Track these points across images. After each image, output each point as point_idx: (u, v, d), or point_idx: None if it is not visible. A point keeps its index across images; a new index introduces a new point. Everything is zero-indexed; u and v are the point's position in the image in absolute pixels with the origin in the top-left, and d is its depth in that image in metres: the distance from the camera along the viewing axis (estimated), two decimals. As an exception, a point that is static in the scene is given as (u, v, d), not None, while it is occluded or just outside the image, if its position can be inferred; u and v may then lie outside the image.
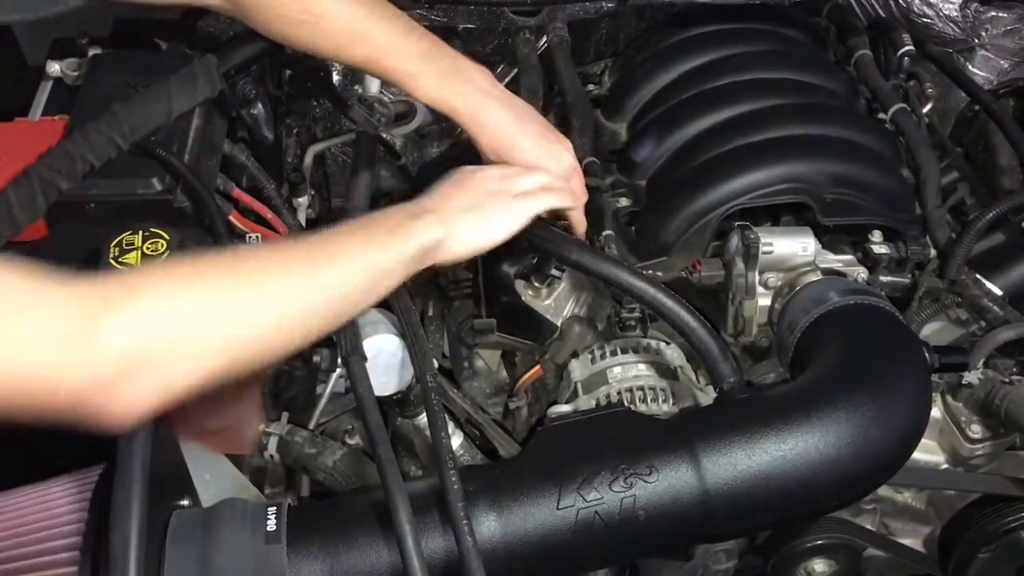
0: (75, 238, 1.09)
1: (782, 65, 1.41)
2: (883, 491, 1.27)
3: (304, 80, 1.54)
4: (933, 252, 1.26)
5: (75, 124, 1.15)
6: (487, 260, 1.29)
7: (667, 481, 0.92)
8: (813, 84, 1.39)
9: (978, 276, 1.24)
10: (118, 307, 0.75)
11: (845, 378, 1.00)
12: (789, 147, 1.26)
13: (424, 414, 1.18)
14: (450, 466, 0.89)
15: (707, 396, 1.17)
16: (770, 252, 1.20)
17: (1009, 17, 1.50)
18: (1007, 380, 1.19)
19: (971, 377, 1.18)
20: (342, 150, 1.62)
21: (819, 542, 1.24)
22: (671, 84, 1.41)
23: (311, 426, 1.28)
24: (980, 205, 1.32)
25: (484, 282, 1.34)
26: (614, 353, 1.24)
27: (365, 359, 1.02)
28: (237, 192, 1.26)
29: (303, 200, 1.49)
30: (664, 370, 1.22)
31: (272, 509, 0.88)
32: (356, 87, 1.44)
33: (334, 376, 1.21)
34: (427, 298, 1.44)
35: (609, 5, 1.47)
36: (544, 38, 1.48)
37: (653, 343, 1.25)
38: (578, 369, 1.25)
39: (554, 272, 1.29)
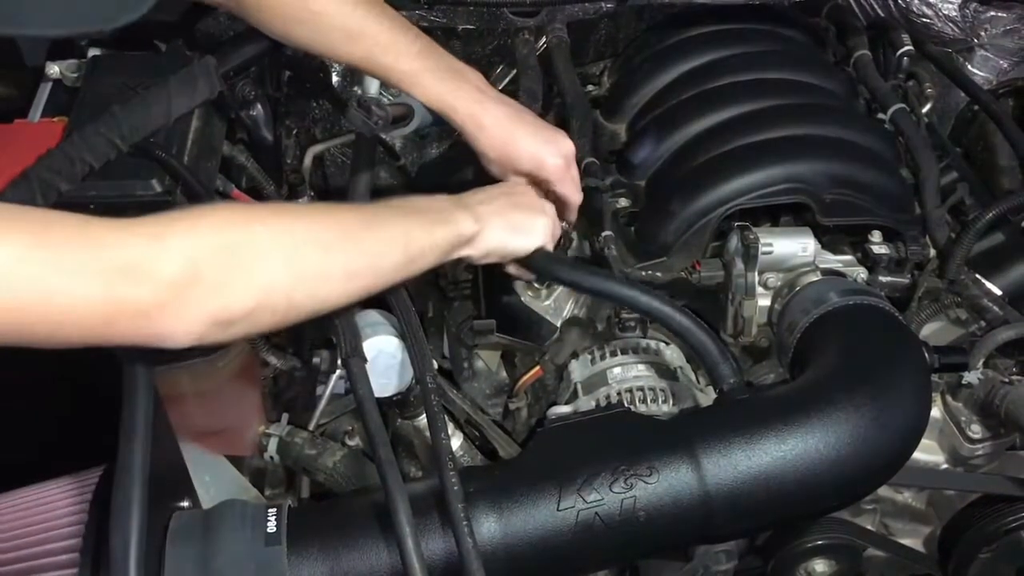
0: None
1: (781, 65, 1.41)
2: (883, 491, 1.27)
3: (303, 81, 1.54)
4: (933, 252, 1.26)
5: (74, 125, 1.15)
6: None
7: (667, 482, 0.92)
8: (812, 84, 1.39)
9: (978, 276, 1.24)
10: (182, 226, 0.78)
11: (845, 378, 1.00)
12: (788, 147, 1.26)
13: (424, 415, 1.18)
14: (450, 467, 0.89)
15: (707, 397, 1.17)
16: (770, 252, 1.20)
17: (1008, 17, 1.50)
18: (1007, 380, 1.19)
19: (971, 377, 1.19)
20: (341, 151, 1.62)
21: (819, 542, 1.24)
22: (670, 84, 1.41)
23: (311, 427, 1.29)
24: (979, 205, 1.32)
25: (484, 283, 1.34)
26: (614, 354, 1.24)
27: (365, 360, 1.02)
28: (236, 193, 1.26)
29: (303, 201, 1.49)
30: (664, 371, 1.22)
31: (272, 510, 0.88)
32: (355, 88, 1.44)
33: (334, 377, 1.20)
34: (427, 299, 1.44)
35: (608, 6, 1.47)
36: (543, 39, 1.48)
37: (653, 344, 1.25)
38: (578, 370, 1.25)
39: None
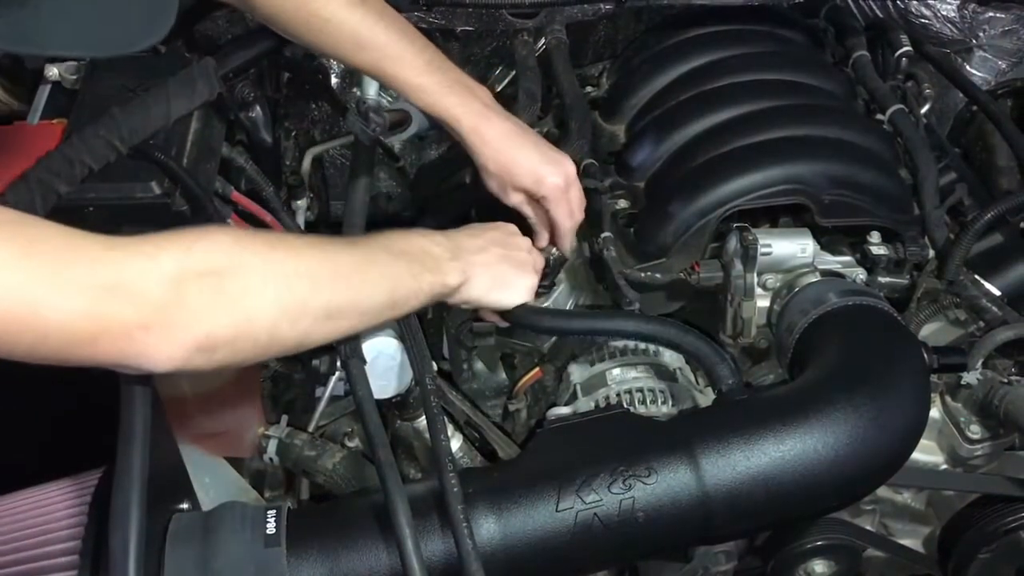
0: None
1: (780, 67, 1.41)
2: (883, 491, 1.27)
3: (302, 83, 1.54)
4: (931, 253, 1.26)
5: (73, 128, 1.15)
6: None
7: (666, 483, 0.92)
8: (811, 85, 1.39)
9: (976, 277, 1.24)
10: (175, 248, 0.77)
11: (844, 379, 1.00)
12: (787, 148, 1.26)
13: (423, 416, 1.18)
14: (449, 468, 0.89)
15: (706, 398, 1.17)
16: (768, 253, 1.20)
17: (1007, 18, 1.50)
18: (1006, 380, 1.19)
19: (970, 378, 1.19)
20: (340, 153, 1.62)
21: (819, 543, 1.24)
22: (669, 86, 1.41)
23: (311, 429, 1.29)
24: (978, 206, 1.32)
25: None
26: (613, 355, 1.24)
27: (364, 362, 1.02)
28: (236, 195, 1.26)
29: (301, 203, 1.49)
30: (663, 372, 1.22)
31: (272, 512, 0.88)
32: (354, 90, 1.44)
33: (333, 379, 1.21)
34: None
35: (607, 7, 1.47)
36: (542, 40, 1.48)
37: (652, 345, 1.25)
38: (577, 371, 1.25)
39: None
